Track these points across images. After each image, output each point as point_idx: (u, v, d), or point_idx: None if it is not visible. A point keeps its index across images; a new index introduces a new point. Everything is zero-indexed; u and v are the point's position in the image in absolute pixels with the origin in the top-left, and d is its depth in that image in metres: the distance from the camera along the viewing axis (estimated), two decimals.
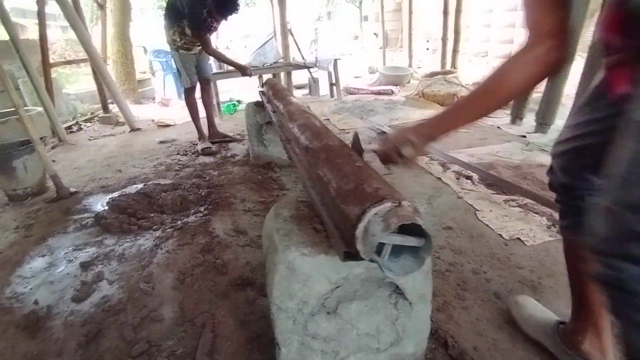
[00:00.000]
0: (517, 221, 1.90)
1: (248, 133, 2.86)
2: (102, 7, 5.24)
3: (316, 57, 5.22)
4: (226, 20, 3.09)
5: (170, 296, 1.47)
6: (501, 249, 1.70)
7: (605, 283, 0.67)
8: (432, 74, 5.33)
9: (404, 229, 0.75)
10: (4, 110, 4.25)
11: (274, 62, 4.89)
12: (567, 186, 1.01)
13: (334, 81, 5.38)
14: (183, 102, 6.21)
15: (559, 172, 1.02)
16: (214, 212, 2.12)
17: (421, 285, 1.05)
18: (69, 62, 5.78)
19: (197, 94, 3.50)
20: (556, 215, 1.87)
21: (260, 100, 2.83)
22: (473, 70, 7.64)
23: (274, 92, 2.44)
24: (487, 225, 1.89)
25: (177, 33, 3.09)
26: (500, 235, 1.79)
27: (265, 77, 5.44)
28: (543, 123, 3.20)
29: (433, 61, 8.75)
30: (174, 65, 3.26)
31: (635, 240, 0.61)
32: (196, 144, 3.57)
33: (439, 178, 2.47)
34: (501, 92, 0.88)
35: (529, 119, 3.46)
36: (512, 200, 2.11)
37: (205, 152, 3.29)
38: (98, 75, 4.52)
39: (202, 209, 2.19)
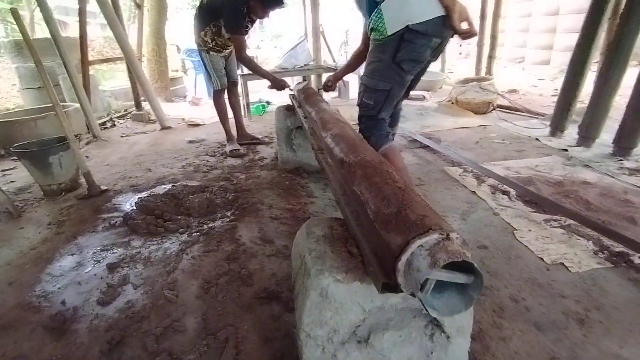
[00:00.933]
0: (560, 244, 1.77)
1: (277, 137, 2.82)
2: (139, 6, 5.36)
3: (347, 60, 5.15)
4: (268, 16, 2.95)
5: (194, 306, 1.45)
6: (542, 274, 1.58)
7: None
8: (466, 80, 5.15)
9: (450, 263, 0.68)
10: (45, 105, 4.43)
11: (305, 65, 4.85)
12: None
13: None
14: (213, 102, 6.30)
15: None
16: (241, 218, 2.09)
17: (461, 317, 0.97)
18: (106, 60, 5.95)
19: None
20: (605, 241, 1.74)
21: (291, 104, 2.80)
22: (507, 76, 7.38)
23: (306, 96, 2.40)
24: (526, 246, 1.77)
25: (208, 34, 3.01)
26: (541, 258, 1.67)
27: (296, 79, 5.43)
28: (587, 136, 3.01)
29: (466, 66, 8.52)
30: (208, 66, 3.17)
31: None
32: (224, 145, 3.57)
33: (474, 192, 2.36)
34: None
35: (571, 131, 3.27)
36: (554, 220, 1.97)
37: (234, 155, 3.28)
38: (132, 73, 4.61)
39: (228, 213, 2.17)
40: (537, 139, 3.36)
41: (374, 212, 0.88)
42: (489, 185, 2.42)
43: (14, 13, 2.19)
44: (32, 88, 5.20)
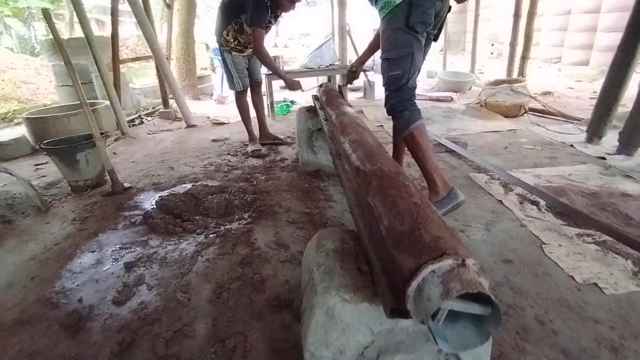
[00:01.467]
0: (594, 262, 1.64)
1: (298, 139, 2.79)
2: (169, 6, 5.47)
3: (373, 60, 5.06)
4: (294, 9, 2.91)
5: (205, 310, 1.43)
6: (573, 294, 1.47)
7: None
8: (497, 82, 4.95)
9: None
10: (78, 102, 4.59)
11: (330, 64, 4.80)
12: None
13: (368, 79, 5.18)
14: None
15: None
16: (258, 221, 2.07)
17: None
18: (136, 59, 6.11)
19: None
20: None
21: (313, 105, 2.76)
22: (542, 77, 7.06)
23: (328, 98, 2.35)
24: (555, 262, 1.66)
25: (231, 33, 2.97)
26: (572, 277, 1.56)
27: (321, 79, 5.39)
28: (629, 144, 2.81)
29: (498, 67, 8.22)
30: (230, 67, 3.14)
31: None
32: (247, 145, 3.58)
33: (500, 201, 2.24)
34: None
35: (611, 138, 3.07)
36: (587, 235, 1.84)
37: (255, 155, 3.26)
38: (160, 72, 4.70)
39: (246, 215, 2.16)
40: (571, 145, 3.17)
41: (387, 229, 0.83)
42: (516, 194, 2.30)
43: (45, 13, 2.25)
44: (67, 85, 5.40)
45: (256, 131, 3.57)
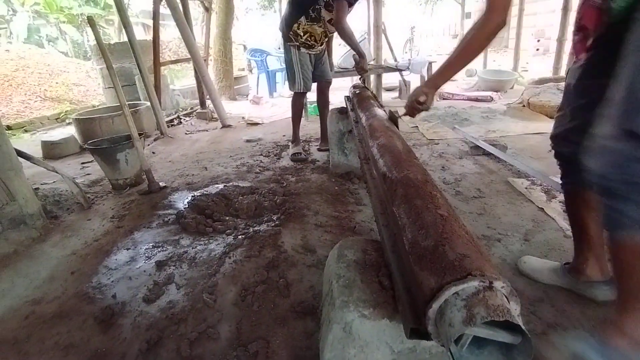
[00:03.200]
0: None
1: (329, 140, 2.77)
2: (207, 9, 5.62)
3: (409, 60, 4.95)
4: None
5: (229, 313, 1.44)
6: None
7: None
8: (542, 81, 4.69)
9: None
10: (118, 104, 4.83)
11: None
12: (562, 137, 1.30)
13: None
14: (273, 101, 6.44)
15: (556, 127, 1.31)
16: (286, 224, 2.07)
17: None
18: (175, 61, 6.34)
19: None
20: None
21: (345, 106, 2.73)
22: None
23: (359, 99, 2.31)
24: None
25: (302, 26, 2.78)
26: None
27: (355, 79, 5.33)
28: None
29: (544, 64, 7.79)
30: (295, 65, 2.89)
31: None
32: (280, 146, 3.60)
33: (542, 209, 2.10)
34: (470, 55, 1.34)
35: None
36: None
37: (295, 158, 3.15)
38: (198, 74, 4.84)
39: (275, 217, 2.16)
40: None
41: (410, 242, 0.78)
42: (560, 202, 2.15)
43: (90, 20, 2.37)
44: (113, 87, 5.68)
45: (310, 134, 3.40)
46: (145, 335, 1.36)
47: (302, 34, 2.83)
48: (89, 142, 2.88)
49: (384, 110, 2.02)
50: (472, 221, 2.02)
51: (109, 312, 1.50)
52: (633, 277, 0.98)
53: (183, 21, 4.35)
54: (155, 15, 4.62)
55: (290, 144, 3.39)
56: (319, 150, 3.38)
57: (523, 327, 0.55)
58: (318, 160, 3.13)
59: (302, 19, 2.77)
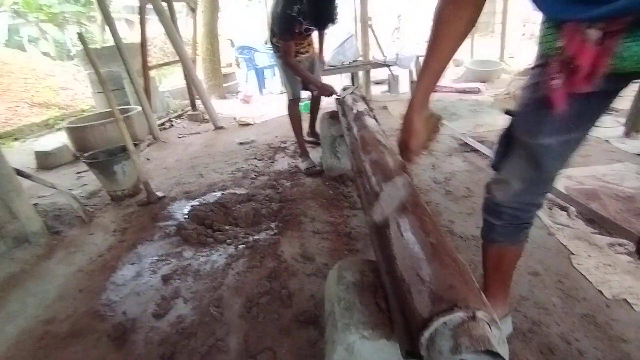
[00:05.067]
0: (625, 275, 1.61)
1: (322, 144, 2.84)
2: (193, 10, 5.59)
3: (397, 54, 5.00)
4: (323, 29, 2.84)
5: (236, 325, 1.53)
6: (600, 310, 1.46)
7: None
8: (527, 71, 4.77)
9: None
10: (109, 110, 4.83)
11: (353, 61, 4.78)
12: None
13: (414, 79, 5.11)
14: (264, 99, 6.46)
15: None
16: (284, 232, 2.15)
17: None
18: (164, 64, 6.31)
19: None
20: None
21: (336, 110, 2.78)
22: None
23: (350, 105, 2.37)
24: (583, 275, 1.64)
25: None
26: (601, 291, 1.54)
27: (344, 77, 5.37)
28: None
29: (530, 50, 7.87)
30: (281, 74, 3.04)
31: None
32: (272, 148, 3.67)
33: None
34: (445, 51, 1.00)
35: None
36: (620, 244, 1.80)
37: (309, 172, 2.99)
38: (188, 77, 4.85)
39: (272, 225, 2.24)
40: (606, 140, 3.04)
41: (401, 267, 0.87)
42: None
43: (80, 37, 2.39)
44: (103, 92, 5.66)
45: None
46: (159, 351, 1.45)
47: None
48: (86, 155, 2.92)
49: (375, 119, 2.10)
50: (462, 221, 2.12)
51: (121, 329, 1.58)
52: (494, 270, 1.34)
53: (170, 25, 4.34)
54: (142, 19, 4.60)
55: (299, 158, 3.27)
56: (307, 141, 3.44)
57: (502, 355, 0.64)
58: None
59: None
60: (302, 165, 3.10)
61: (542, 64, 0.95)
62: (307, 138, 3.47)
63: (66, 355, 1.50)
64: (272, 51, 3.15)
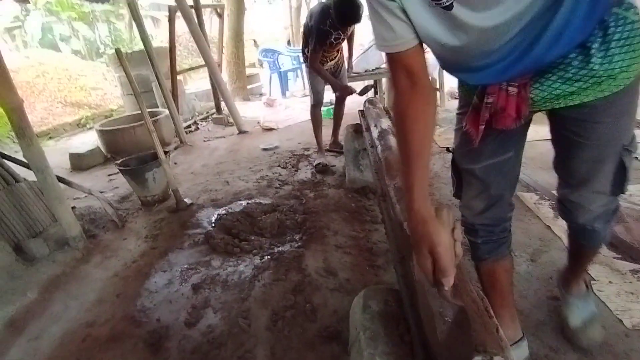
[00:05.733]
0: None
1: (345, 157, 2.91)
2: (220, 16, 5.72)
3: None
4: (347, 29, 3.07)
5: (263, 337, 1.62)
6: (619, 339, 1.48)
7: None
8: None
9: None
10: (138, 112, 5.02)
11: (376, 68, 4.81)
12: None
13: (437, 86, 5.10)
14: (287, 102, 6.55)
15: None
16: (308, 245, 2.23)
17: None
18: (191, 69, 6.51)
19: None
20: None
21: (359, 123, 2.84)
22: None
23: (374, 119, 2.41)
24: (603, 302, 1.65)
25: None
26: (620, 320, 1.56)
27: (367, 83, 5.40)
28: None
29: None
30: (308, 80, 3.38)
31: None
32: (296, 155, 3.76)
33: (549, 226, 2.22)
34: (415, 148, 0.89)
35: None
36: None
37: (319, 169, 3.32)
38: (214, 82, 4.98)
39: (297, 237, 2.33)
40: (636, 157, 2.98)
41: (422, 305, 0.93)
42: None
43: (118, 53, 2.52)
44: (132, 94, 5.88)
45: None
46: (192, 359, 1.55)
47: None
48: (118, 162, 3.07)
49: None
50: None
51: (156, 335, 1.69)
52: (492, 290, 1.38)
53: (198, 32, 4.48)
54: (172, 27, 4.75)
55: (314, 153, 3.70)
56: (329, 151, 3.66)
57: None
58: (334, 173, 3.26)
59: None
60: (316, 161, 3.47)
61: (464, 112, 1.14)
62: (325, 162, 3.55)
63: (107, 359, 1.62)
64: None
